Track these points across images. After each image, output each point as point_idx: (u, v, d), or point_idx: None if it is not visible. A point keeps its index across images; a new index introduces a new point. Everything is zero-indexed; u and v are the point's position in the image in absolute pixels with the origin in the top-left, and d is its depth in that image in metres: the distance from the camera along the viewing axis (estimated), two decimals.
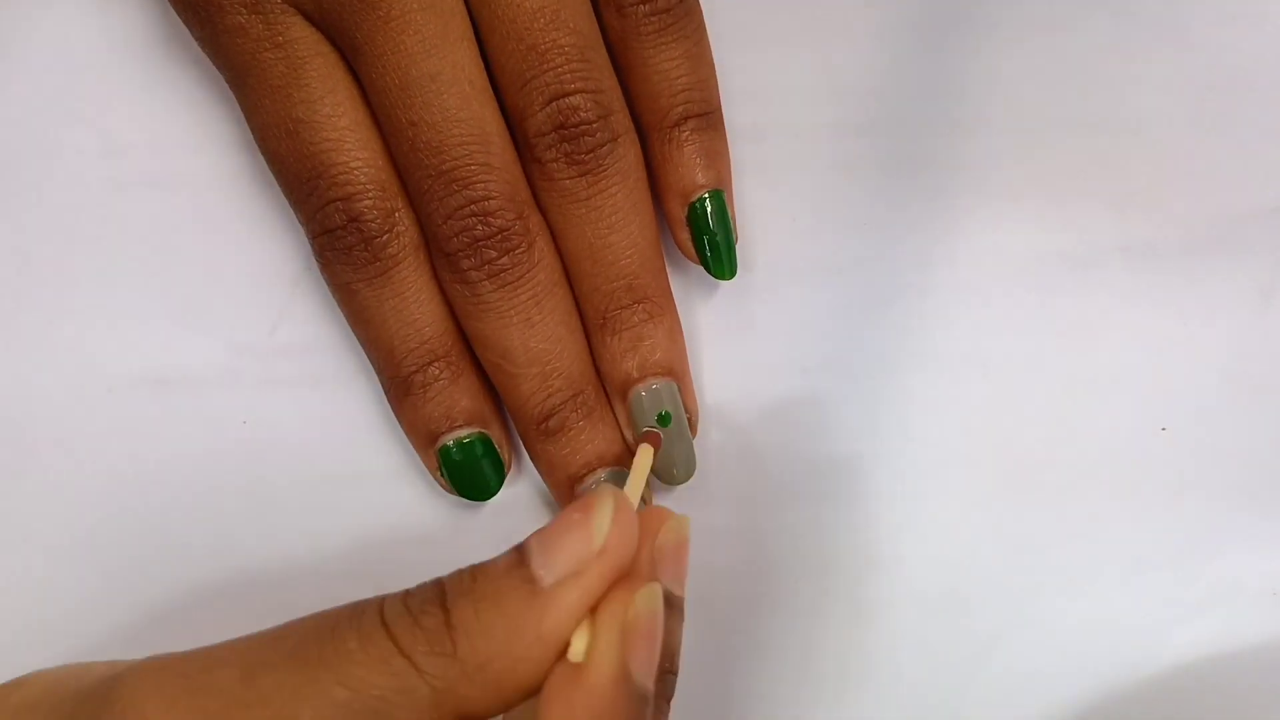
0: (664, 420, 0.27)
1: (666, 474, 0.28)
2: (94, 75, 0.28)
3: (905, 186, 0.29)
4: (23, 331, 0.28)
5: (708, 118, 0.27)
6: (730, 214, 0.27)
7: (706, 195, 0.27)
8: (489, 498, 0.27)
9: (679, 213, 0.27)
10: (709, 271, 0.27)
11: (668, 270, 0.28)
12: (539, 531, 0.20)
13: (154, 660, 0.19)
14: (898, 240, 0.29)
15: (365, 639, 0.18)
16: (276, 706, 0.18)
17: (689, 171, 0.27)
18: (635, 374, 0.27)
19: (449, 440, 0.27)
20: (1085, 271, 0.29)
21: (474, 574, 0.20)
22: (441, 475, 0.27)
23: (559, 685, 0.19)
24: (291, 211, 0.27)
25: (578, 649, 0.19)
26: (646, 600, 0.20)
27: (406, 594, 0.19)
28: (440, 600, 0.19)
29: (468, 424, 0.27)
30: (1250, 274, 0.29)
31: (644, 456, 0.25)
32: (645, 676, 0.19)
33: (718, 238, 0.27)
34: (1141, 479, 0.29)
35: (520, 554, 0.20)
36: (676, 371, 0.27)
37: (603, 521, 0.20)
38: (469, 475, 0.27)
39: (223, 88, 0.27)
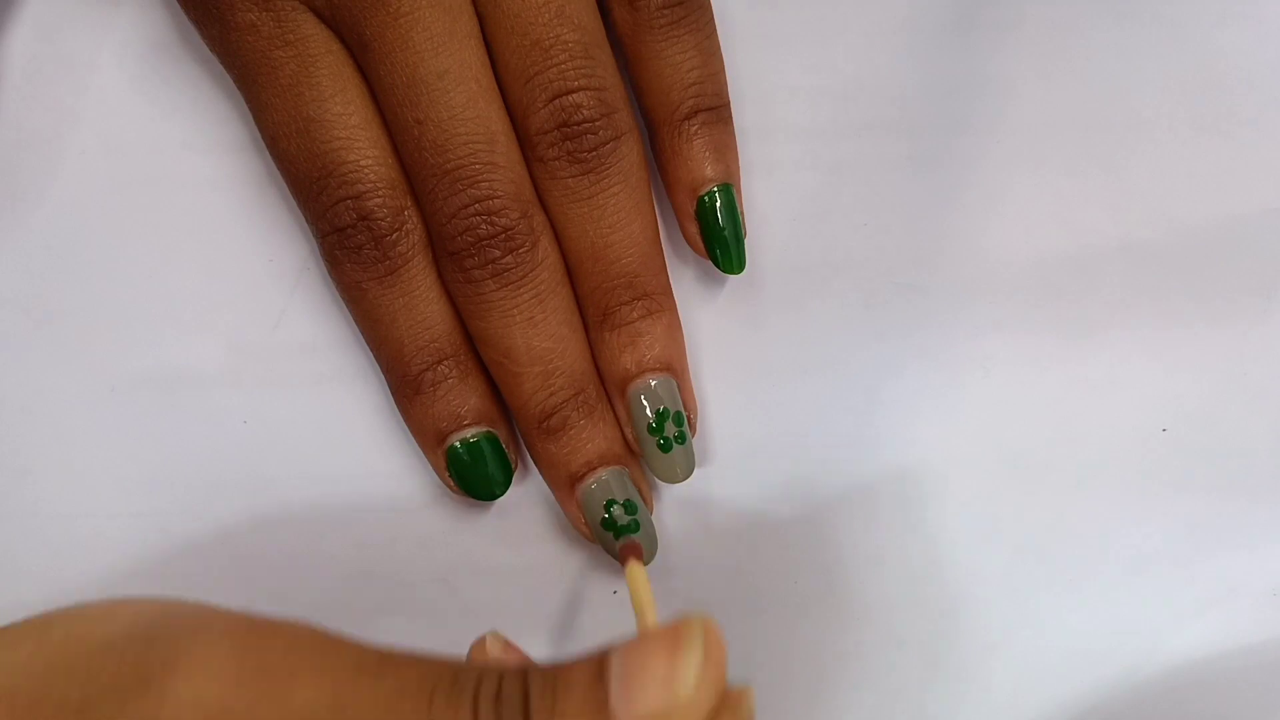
0: (662, 418, 0.27)
1: (666, 473, 0.28)
2: (94, 75, 0.28)
3: (906, 186, 0.29)
4: (23, 331, 0.28)
5: (717, 112, 0.27)
6: (739, 208, 0.27)
7: (715, 189, 0.27)
8: (495, 497, 0.27)
9: (687, 206, 0.27)
10: (717, 265, 0.27)
11: (670, 269, 0.28)
12: (621, 654, 0.19)
13: (217, 626, 0.19)
14: (898, 240, 0.29)
15: None
16: None
17: (698, 165, 0.27)
18: (633, 369, 0.27)
19: (457, 440, 0.27)
20: (1085, 271, 0.29)
21: (556, 689, 0.19)
22: (449, 475, 0.27)
23: None
24: (293, 211, 0.27)
25: None
26: None
27: (500, 690, 0.19)
28: (524, 712, 0.18)
29: (476, 423, 0.27)
30: (1251, 274, 0.29)
31: (636, 574, 0.23)
32: None
33: (726, 231, 0.27)
34: (1142, 479, 0.29)
35: (600, 671, 0.19)
36: (675, 368, 0.27)
37: (690, 668, 0.19)
38: (476, 475, 0.27)
39: (224, 87, 0.27)
